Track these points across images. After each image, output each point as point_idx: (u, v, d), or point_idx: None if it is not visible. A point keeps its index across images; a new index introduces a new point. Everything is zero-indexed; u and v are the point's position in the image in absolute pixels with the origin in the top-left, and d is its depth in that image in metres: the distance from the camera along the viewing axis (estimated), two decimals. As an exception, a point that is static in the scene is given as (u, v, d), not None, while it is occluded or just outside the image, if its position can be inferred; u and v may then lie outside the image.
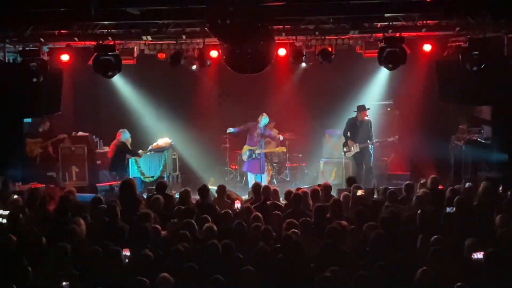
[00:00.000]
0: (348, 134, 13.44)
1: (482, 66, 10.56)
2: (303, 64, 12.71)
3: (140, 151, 13.45)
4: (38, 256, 7.43)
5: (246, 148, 13.64)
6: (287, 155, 14.79)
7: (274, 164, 14.76)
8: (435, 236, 7.34)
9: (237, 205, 9.41)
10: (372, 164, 13.29)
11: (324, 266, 6.59)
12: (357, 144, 13.27)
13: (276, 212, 8.96)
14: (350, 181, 10.60)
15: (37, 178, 12.68)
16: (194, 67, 12.90)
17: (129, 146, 13.18)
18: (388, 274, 6.41)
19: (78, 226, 8.05)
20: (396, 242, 7.44)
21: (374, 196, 10.36)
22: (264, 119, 13.45)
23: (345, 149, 13.52)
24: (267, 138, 13.94)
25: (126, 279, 6.57)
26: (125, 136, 13.16)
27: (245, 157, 13.69)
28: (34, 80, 10.92)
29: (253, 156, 13.36)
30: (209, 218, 8.45)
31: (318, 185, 10.64)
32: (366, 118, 13.36)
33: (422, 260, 6.89)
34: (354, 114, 13.39)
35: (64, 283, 6.56)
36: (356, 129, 13.34)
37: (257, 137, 13.45)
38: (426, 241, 7.36)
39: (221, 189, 10.23)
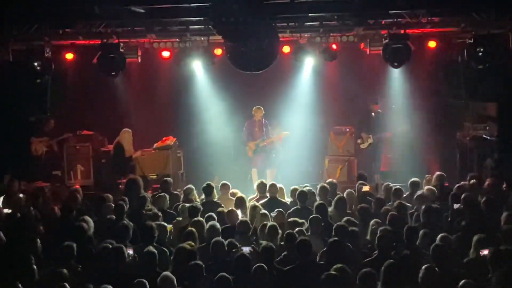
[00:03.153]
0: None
1: (487, 64, 10.53)
2: (308, 61, 12.67)
3: (138, 152, 13.44)
4: (44, 255, 7.47)
5: (250, 144, 13.60)
6: (292, 153, 14.74)
7: (279, 162, 14.72)
8: (442, 234, 7.33)
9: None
10: (380, 158, 13.31)
11: (331, 264, 6.58)
12: (371, 136, 13.26)
13: (282, 210, 8.95)
14: (360, 177, 10.56)
15: (42, 177, 12.70)
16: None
17: (128, 145, 13.09)
18: (395, 271, 6.39)
19: (84, 224, 8.07)
20: (402, 239, 7.42)
21: (379, 193, 10.35)
22: (259, 112, 13.43)
23: (359, 141, 13.53)
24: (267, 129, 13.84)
25: (130, 277, 6.57)
26: (125, 136, 13.12)
27: (250, 153, 13.62)
28: (39, 79, 10.94)
29: (259, 150, 13.33)
30: (214, 215, 8.46)
31: (326, 182, 10.62)
32: (379, 111, 13.39)
33: (428, 257, 6.89)
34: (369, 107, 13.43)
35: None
36: (371, 122, 13.32)
37: (259, 131, 13.43)
38: (432, 238, 7.35)
39: (225, 186, 10.24)
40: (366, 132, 13.37)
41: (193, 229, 7.79)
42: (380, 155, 13.39)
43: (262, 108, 13.38)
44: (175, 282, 6.36)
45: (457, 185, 9.95)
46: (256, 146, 13.47)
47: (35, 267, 6.73)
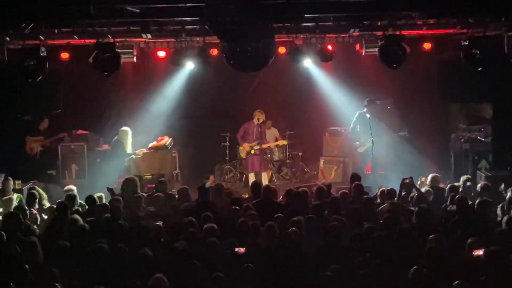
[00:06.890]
0: (358, 129, 13.27)
1: (483, 66, 10.55)
2: (304, 62, 12.68)
3: (137, 151, 13.45)
4: (37, 254, 7.45)
5: (244, 145, 13.64)
6: (287, 153, 14.78)
7: (274, 163, 14.75)
8: (433, 235, 7.35)
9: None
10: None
11: (325, 264, 6.59)
12: (372, 139, 13.19)
13: (278, 212, 8.94)
14: (354, 177, 10.56)
15: (37, 176, 12.67)
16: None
17: (127, 144, 13.12)
18: (387, 272, 6.41)
19: (78, 224, 8.06)
20: (396, 240, 7.44)
21: (372, 195, 10.36)
22: (260, 116, 13.46)
23: (357, 144, 13.33)
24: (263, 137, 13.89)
25: (124, 277, 6.57)
26: (124, 134, 13.15)
27: (243, 154, 13.67)
28: (32, 79, 10.90)
29: (252, 152, 13.35)
30: (210, 216, 8.46)
31: (322, 183, 10.63)
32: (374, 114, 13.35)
33: (420, 258, 6.91)
34: (363, 109, 13.24)
35: None
36: (368, 124, 13.17)
37: (255, 134, 13.47)
38: (425, 239, 7.37)
39: (219, 187, 10.23)
40: (364, 135, 13.30)
41: (187, 229, 7.79)
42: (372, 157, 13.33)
43: (264, 113, 13.42)
44: (167, 284, 6.35)
45: (451, 186, 9.96)
46: (250, 149, 13.50)
47: (27, 266, 6.72)
